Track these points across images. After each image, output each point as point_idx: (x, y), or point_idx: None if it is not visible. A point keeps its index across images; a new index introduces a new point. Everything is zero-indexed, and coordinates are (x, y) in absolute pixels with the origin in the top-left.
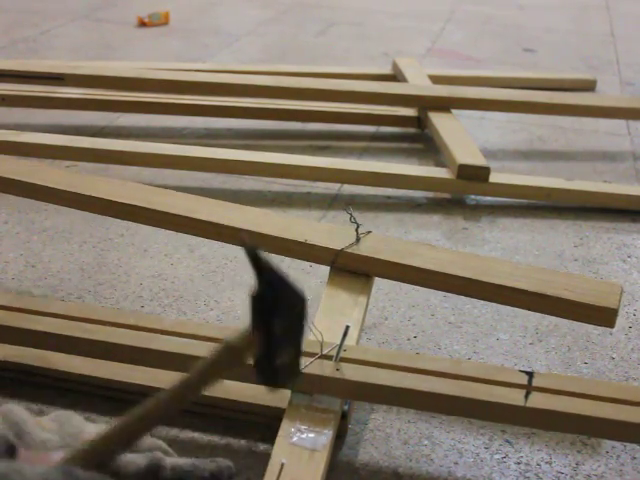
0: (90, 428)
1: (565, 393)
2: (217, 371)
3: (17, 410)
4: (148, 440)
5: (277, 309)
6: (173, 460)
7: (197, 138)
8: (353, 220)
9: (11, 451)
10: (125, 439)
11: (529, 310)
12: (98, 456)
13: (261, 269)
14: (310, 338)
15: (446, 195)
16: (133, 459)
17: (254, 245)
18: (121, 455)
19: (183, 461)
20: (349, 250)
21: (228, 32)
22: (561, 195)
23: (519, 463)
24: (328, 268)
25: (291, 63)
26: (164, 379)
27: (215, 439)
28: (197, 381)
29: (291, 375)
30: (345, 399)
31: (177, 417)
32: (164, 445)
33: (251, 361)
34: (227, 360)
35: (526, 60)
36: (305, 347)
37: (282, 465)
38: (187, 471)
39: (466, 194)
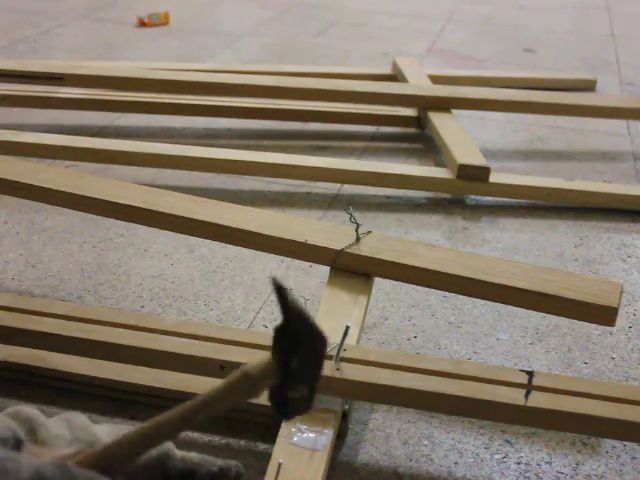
0: (95, 428)
1: (565, 392)
2: (231, 397)
3: (27, 409)
4: None
5: (297, 345)
6: (183, 452)
7: (197, 138)
8: (353, 220)
9: (18, 444)
10: (134, 448)
11: (530, 309)
12: (104, 461)
13: (287, 307)
14: None
15: (446, 195)
16: None
17: (283, 284)
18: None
19: (193, 454)
20: (349, 250)
21: (228, 32)
22: (561, 195)
23: (519, 463)
24: (328, 268)
25: (291, 63)
26: (164, 379)
27: (215, 439)
28: (209, 403)
29: (302, 410)
30: (345, 399)
31: None
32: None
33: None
34: (243, 387)
35: (526, 60)
36: None
37: (282, 465)
38: (196, 463)
39: (466, 194)
